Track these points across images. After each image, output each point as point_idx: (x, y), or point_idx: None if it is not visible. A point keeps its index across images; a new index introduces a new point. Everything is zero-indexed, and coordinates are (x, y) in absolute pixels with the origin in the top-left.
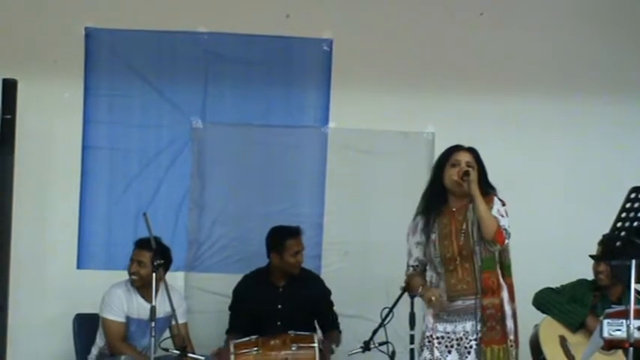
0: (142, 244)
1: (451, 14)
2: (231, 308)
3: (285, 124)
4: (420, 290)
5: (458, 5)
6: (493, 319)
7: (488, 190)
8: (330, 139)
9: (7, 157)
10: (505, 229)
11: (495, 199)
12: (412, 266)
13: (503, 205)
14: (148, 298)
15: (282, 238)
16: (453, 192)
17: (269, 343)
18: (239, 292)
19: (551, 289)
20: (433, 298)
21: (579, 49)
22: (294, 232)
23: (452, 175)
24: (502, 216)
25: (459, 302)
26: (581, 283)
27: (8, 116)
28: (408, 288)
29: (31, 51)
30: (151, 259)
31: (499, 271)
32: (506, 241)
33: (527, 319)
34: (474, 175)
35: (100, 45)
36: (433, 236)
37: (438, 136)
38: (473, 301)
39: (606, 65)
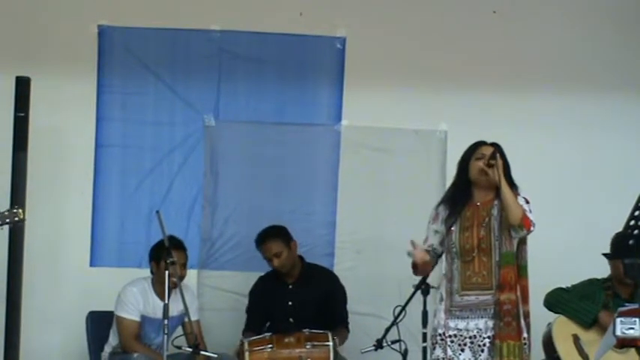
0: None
1: (464, 12)
2: (247, 310)
3: (298, 122)
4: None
5: (471, 3)
6: (509, 315)
7: (511, 188)
8: (342, 137)
9: (20, 154)
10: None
11: (519, 196)
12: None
13: (527, 202)
14: (162, 296)
15: (256, 244)
16: (478, 184)
17: (283, 341)
18: (254, 292)
19: (562, 288)
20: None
21: (593, 46)
22: (259, 240)
23: (477, 165)
24: (526, 210)
25: (473, 297)
26: (592, 282)
27: (21, 114)
28: (413, 266)
29: (44, 49)
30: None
31: (516, 268)
32: (532, 228)
33: (540, 318)
34: (499, 161)
35: (113, 43)
36: (454, 227)
37: (451, 134)
38: (488, 297)
39: (622, 62)
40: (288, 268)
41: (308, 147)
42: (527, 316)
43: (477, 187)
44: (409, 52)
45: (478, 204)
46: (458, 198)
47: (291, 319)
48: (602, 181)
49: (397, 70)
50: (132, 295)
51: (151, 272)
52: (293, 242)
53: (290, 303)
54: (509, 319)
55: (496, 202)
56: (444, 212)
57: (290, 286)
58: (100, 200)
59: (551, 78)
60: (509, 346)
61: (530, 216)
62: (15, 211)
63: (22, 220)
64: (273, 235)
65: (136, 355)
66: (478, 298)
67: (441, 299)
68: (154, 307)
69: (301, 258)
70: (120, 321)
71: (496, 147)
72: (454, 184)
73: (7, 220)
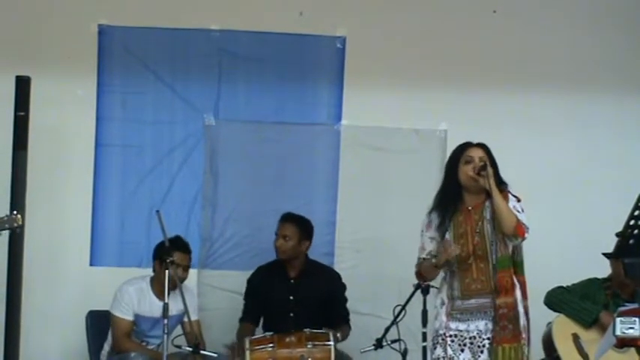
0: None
1: (464, 12)
2: (245, 296)
3: (297, 122)
4: (433, 255)
5: (471, 3)
6: (505, 319)
7: (500, 186)
8: (342, 137)
9: (20, 154)
10: (524, 223)
11: (510, 195)
12: (423, 258)
13: (519, 201)
14: (161, 296)
15: (280, 217)
16: (468, 189)
17: (284, 340)
18: (253, 281)
19: (563, 287)
20: (451, 248)
21: (594, 45)
22: (284, 216)
23: (467, 171)
24: (518, 212)
25: (473, 301)
26: (593, 281)
27: (22, 113)
28: (420, 275)
29: (44, 48)
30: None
31: (512, 270)
32: (527, 234)
33: (539, 317)
34: (490, 170)
35: (113, 42)
36: (448, 235)
37: (451, 133)
38: (486, 300)
39: (622, 62)
40: (286, 257)
41: (308, 146)
42: (526, 312)
43: (467, 191)
44: (409, 52)
45: (469, 208)
46: (448, 203)
47: (291, 314)
48: (602, 180)
49: (397, 70)
50: (127, 294)
51: (153, 270)
52: (308, 242)
53: (291, 297)
54: (504, 323)
55: (487, 204)
56: (436, 219)
57: (292, 281)
58: (100, 200)
59: (552, 78)
60: (504, 349)
61: (523, 219)
62: (14, 216)
63: (21, 227)
64: (296, 222)
65: (133, 354)
66: (478, 302)
67: (442, 303)
68: (151, 306)
69: (305, 255)
70: (112, 319)
71: (484, 148)
72: (443, 189)
73: (6, 226)
